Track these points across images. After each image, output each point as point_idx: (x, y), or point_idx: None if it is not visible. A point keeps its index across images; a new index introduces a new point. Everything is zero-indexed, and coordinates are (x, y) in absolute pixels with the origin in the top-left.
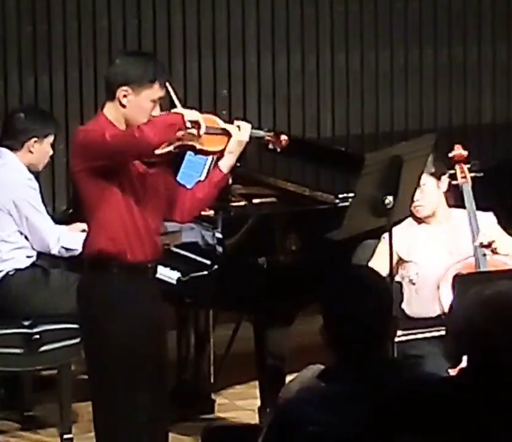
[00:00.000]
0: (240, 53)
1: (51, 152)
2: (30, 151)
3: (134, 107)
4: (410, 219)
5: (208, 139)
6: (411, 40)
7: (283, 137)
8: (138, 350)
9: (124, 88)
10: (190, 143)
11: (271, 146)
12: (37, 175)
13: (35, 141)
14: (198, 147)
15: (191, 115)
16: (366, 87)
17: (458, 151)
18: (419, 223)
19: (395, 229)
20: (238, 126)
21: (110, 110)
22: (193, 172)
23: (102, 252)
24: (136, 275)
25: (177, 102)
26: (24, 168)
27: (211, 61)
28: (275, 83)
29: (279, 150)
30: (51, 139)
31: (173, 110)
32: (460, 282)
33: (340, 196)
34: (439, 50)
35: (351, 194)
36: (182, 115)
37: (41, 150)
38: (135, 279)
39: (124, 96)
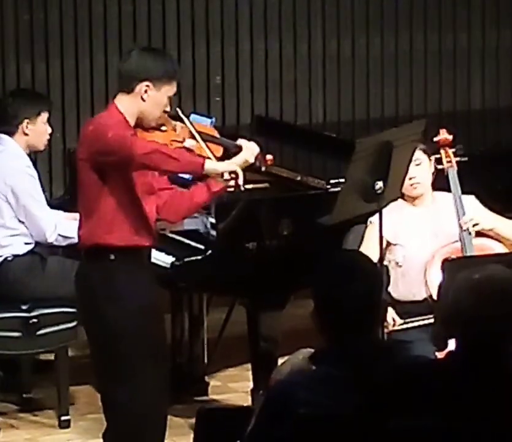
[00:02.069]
0: (234, 40)
1: (49, 130)
2: (25, 133)
3: (153, 102)
4: (397, 202)
5: (208, 146)
6: (401, 27)
7: (269, 157)
8: (138, 333)
9: (146, 83)
10: (191, 148)
11: (257, 163)
12: (34, 161)
13: (27, 122)
14: (197, 152)
15: (229, 166)
16: (357, 74)
17: (444, 135)
18: (406, 206)
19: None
20: (247, 148)
21: (123, 102)
22: None
23: (100, 244)
24: (133, 260)
25: (207, 151)
26: (23, 155)
27: (205, 49)
28: (267, 70)
29: (263, 169)
30: (44, 116)
31: (209, 161)
32: (448, 266)
33: (331, 181)
34: (429, 36)
35: (342, 180)
36: (199, 167)
37: (36, 129)
38: (132, 264)
39: (146, 91)
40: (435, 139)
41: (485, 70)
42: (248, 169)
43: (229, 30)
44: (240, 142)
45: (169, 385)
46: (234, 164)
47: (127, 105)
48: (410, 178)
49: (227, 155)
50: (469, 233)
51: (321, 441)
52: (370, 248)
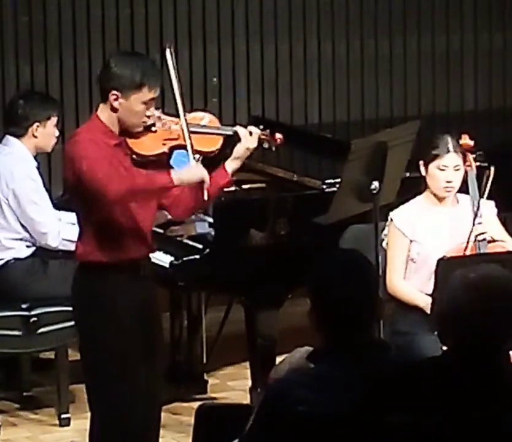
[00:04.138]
0: (230, 41)
1: (57, 133)
2: (34, 136)
3: (125, 111)
4: (417, 199)
5: (203, 139)
6: (395, 29)
7: (278, 136)
8: (130, 345)
9: (114, 92)
10: (183, 144)
11: (265, 145)
12: (38, 165)
13: (37, 126)
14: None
15: (196, 175)
16: (352, 75)
17: (465, 140)
18: (427, 203)
19: (402, 208)
20: (250, 132)
21: (103, 112)
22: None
23: (92, 261)
24: (127, 273)
25: (181, 111)
26: (29, 158)
27: (201, 50)
28: (263, 71)
29: (273, 148)
30: (54, 120)
31: (176, 174)
32: (443, 265)
33: (327, 181)
34: (422, 38)
35: (338, 180)
36: (170, 184)
37: (45, 133)
38: (125, 276)
39: (115, 99)
40: None
41: (478, 72)
42: (258, 152)
43: (225, 32)
44: (237, 129)
45: (162, 385)
46: (200, 172)
47: (106, 114)
48: (447, 182)
49: (233, 143)
50: (484, 239)
51: (319, 439)
52: (399, 256)
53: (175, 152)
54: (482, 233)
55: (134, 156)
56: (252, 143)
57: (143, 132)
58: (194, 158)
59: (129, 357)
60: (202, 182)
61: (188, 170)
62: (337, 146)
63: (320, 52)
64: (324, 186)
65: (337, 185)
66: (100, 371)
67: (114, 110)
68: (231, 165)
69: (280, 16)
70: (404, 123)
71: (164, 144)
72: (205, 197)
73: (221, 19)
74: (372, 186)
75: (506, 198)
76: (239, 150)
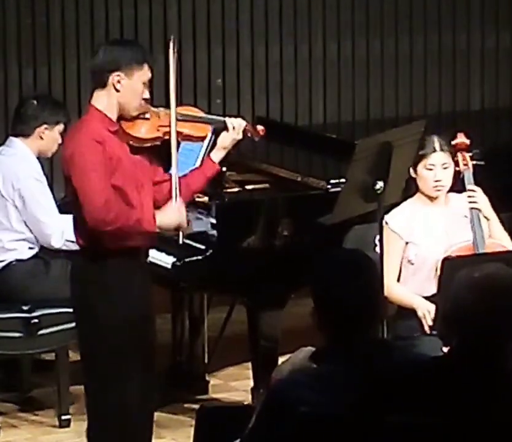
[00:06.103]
0: (235, 43)
1: (59, 140)
2: (40, 138)
3: (128, 90)
4: (410, 201)
5: (192, 126)
6: (401, 29)
7: (260, 128)
8: (130, 332)
9: (117, 73)
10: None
11: (249, 135)
12: (42, 166)
13: (45, 128)
14: (184, 133)
15: (173, 222)
16: (357, 75)
17: (461, 139)
18: (419, 204)
19: (396, 211)
20: (233, 126)
21: (100, 99)
22: (187, 160)
23: (91, 247)
24: (127, 259)
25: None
26: (33, 159)
27: (206, 51)
28: (268, 72)
29: (256, 139)
30: (61, 127)
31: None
32: (448, 265)
33: (331, 181)
34: (429, 38)
35: (342, 180)
36: (151, 229)
37: (51, 137)
38: (126, 263)
39: (118, 81)
40: (453, 142)
41: (485, 71)
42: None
43: (230, 32)
44: (226, 120)
45: (164, 386)
46: (178, 218)
47: (104, 100)
48: (436, 181)
49: (217, 133)
50: (478, 215)
51: (322, 439)
52: (394, 260)
53: (182, 145)
54: (473, 196)
55: (130, 142)
56: (238, 134)
57: (136, 119)
58: (177, 196)
59: (127, 347)
60: (180, 229)
61: (167, 217)
62: (342, 146)
63: (325, 53)
64: (328, 187)
65: (342, 185)
66: (100, 363)
67: (117, 91)
68: (217, 154)
69: (285, 17)
70: (409, 123)
71: (158, 130)
72: (180, 241)
73: (226, 20)
74: (377, 186)
75: None
76: (225, 140)
